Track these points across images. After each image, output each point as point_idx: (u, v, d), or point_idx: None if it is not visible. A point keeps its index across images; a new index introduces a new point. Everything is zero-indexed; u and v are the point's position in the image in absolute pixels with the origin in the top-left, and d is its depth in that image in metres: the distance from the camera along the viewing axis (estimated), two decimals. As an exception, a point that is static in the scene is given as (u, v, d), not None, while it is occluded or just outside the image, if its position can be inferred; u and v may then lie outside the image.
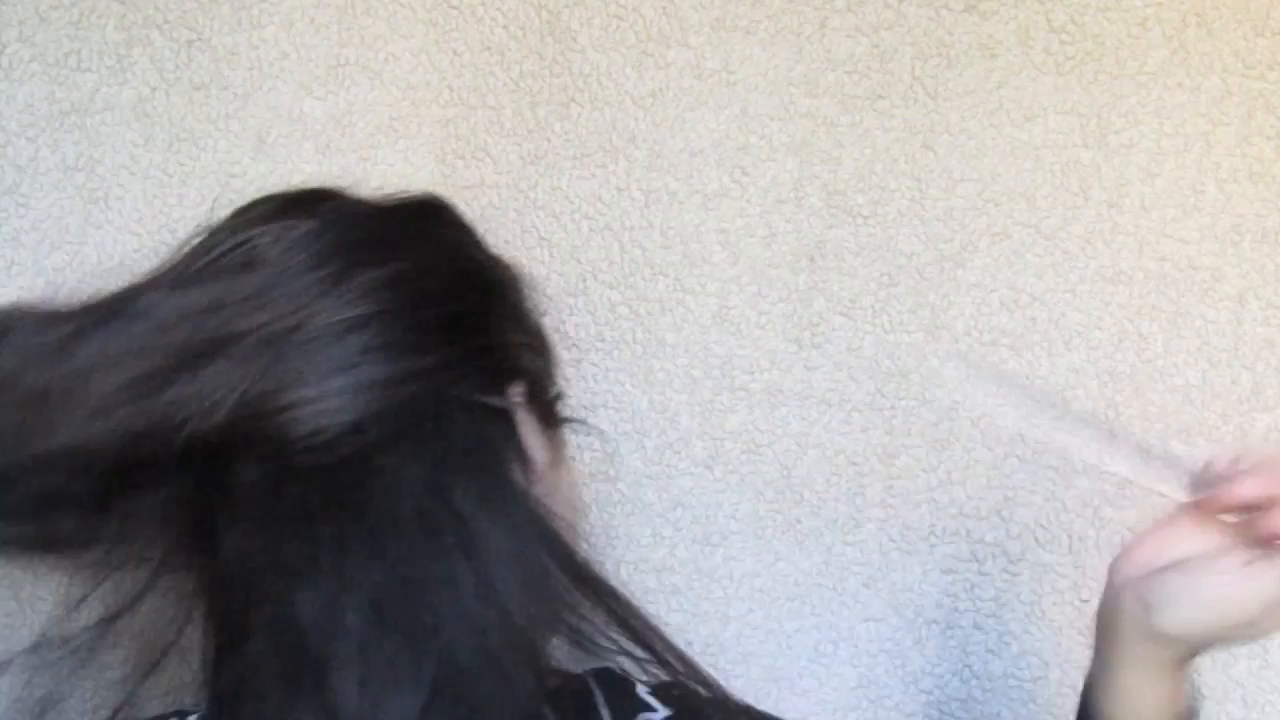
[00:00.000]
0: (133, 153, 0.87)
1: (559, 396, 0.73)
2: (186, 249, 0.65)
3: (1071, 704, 0.87)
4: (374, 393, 0.59)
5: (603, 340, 0.89)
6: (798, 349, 0.88)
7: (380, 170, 0.87)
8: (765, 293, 0.88)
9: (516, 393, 0.66)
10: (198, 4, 0.87)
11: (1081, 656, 0.86)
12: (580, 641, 0.62)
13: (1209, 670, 0.86)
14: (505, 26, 0.88)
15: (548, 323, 0.74)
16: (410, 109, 0.88)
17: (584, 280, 0.88)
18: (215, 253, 0.62)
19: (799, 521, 0.88)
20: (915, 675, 0.88)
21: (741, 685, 0.88)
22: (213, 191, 0.87)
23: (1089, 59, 0.86)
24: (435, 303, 0.63)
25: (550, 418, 0.71)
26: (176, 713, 0.68)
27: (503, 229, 0.87)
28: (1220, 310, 0.86)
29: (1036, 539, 0.87)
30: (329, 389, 0.58)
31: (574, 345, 0.88)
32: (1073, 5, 0.86)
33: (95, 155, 0.87)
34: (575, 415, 0.83)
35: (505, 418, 0.65)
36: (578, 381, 0.88)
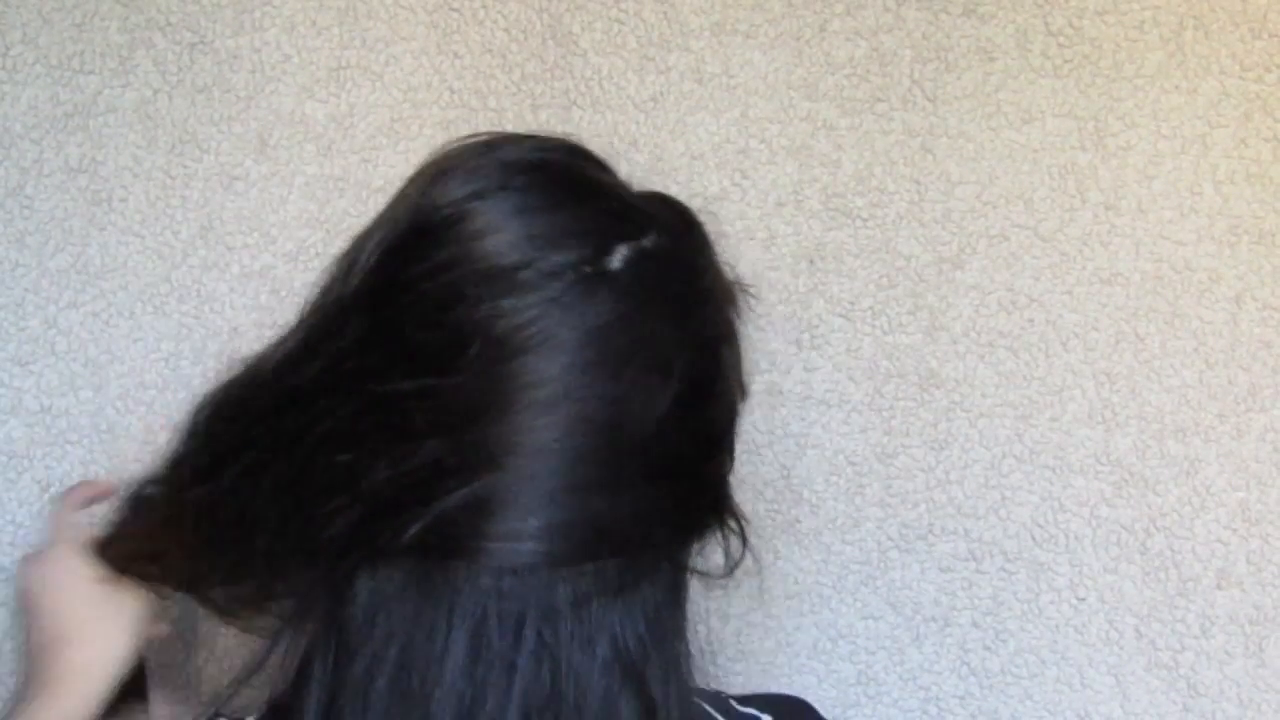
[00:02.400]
0: (135, 155, 0.88)
1: None
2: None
3: (1068, 701, 0.88)
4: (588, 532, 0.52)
5: (603, 341, 0.89)
6: (797, 350, 0.88)
7: (382, 172, 0.88)
8: (765, 294, 0.88)
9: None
10: (200, 7, 0.87)
11: (1078, 654, 0.87)
12: None
13: (1205, 668, 0.87)
14: (507, 29, 0.88)
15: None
16: (411, 111, 0.88)
17: (585, 281, 0.89)
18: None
19: (798, 521, 0.89)
20: (913, 672, 0.89)
21: (740, 682, 0.89)
22: (215, 194, 0.87)
23: (1086, 62, 0.86)
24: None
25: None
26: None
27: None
28: (1217, 311, 0.86)
29: (1033, 538, 0.88)
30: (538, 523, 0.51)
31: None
32: (1070, 9, 0.86)
33: (98, 157, 0.88)
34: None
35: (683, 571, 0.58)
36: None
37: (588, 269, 0.52)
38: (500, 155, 0.56)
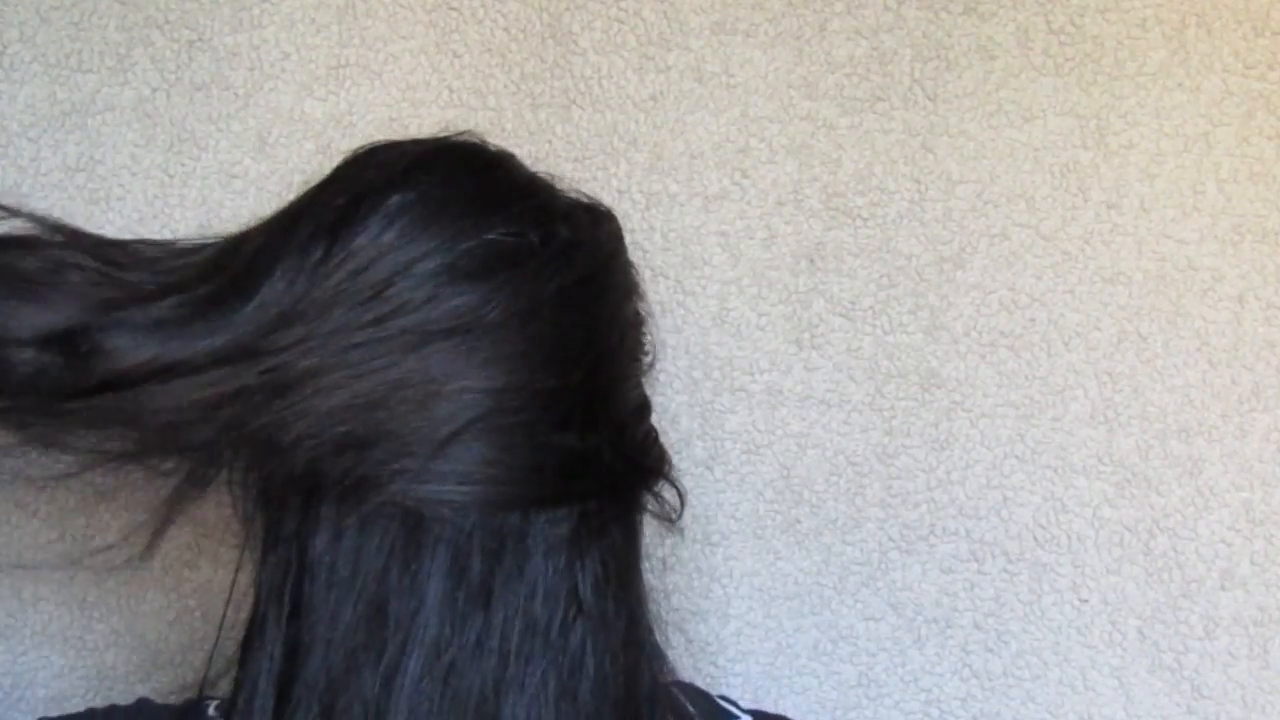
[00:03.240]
0: (134, 153, 0.87)
1: None
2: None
3: (1071, 703, 0.88)
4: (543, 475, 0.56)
5: (603, 341, 0.89)
6: (797, 350, 0.88)
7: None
8: (765, 294, 0.88)
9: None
10: (199, 5, 0.87)
11: (1081, 655, 0.87)
12: None
13: (1209, 670, 0.86)
14: (506, 28, 0.88)
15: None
16: (410, 110, 0.88)
17: (584, 281, 0.89)
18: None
19: (799, 521, 0.88)
20: (914, 674, 0.88)
21: (740, 684, 0.89)
22: (214, 192, 0.87)
23: (1088, 60, 0.86)
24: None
25: None
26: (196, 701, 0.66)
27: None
28: (1220, 311, 0.86)
29: (1035, 539, 0.87)
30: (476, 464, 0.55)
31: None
32: (1072, 6, 0.86)
33: (96, 156, 0.88)
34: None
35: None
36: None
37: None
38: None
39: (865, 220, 0.87)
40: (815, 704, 0.88)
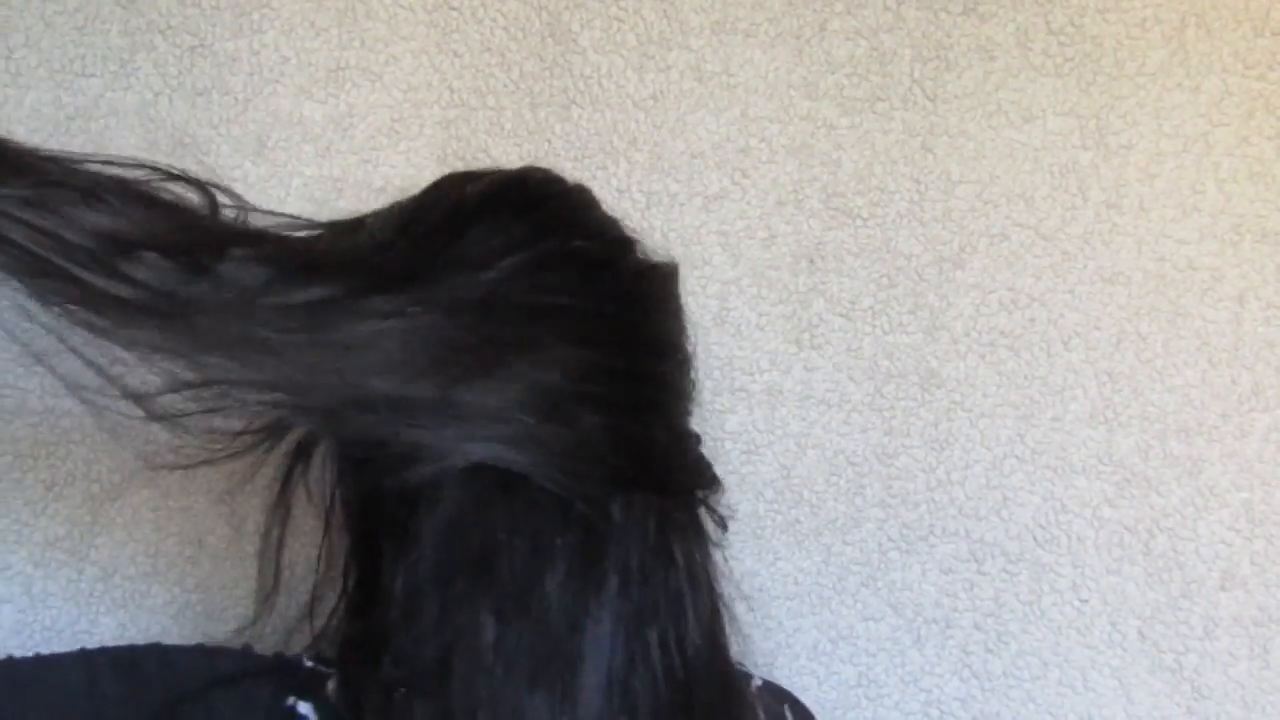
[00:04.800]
0: (136, 157, 0.88)
1: None
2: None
3: (1071, 704, 0.88)
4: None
5: (603, 341, 0.89)
6: (797, 350, 0.88)
7: (381, 172, 0.88)
8: (765, 294, 0.88)
9: None
10: (200, 10, 0.87)
11: (1081, 656, 0.87)
12: None
13: (1209, 670, 0.86)
14: (506, 28, 0.88)
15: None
16: (411, 111, 0.89)
17: (584, 282, 0.89)
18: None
19: (798, 521, 0.88)
20: (914, 674, 0.88)
21: (742, 683, 0.89)
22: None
23: (1088, 60, 0.86)
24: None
25: None
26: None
27: (503, 231, 0.87)
28: (1220, 310, 0.86)
29: (1035, 539, 0.87)
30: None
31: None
32: (1071, 7, 0.86)
33: (100, 159, 0.88)
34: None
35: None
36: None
37: None
38: None
39: (865, 220, 0.87)
40: (815, 704, 0.88)
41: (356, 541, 0.62)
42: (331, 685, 0.60)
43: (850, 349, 0.88)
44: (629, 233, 0.70)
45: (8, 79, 0.87)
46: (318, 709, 0.60)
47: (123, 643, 0.71)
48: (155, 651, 0.65)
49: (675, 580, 0.61)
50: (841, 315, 0.88)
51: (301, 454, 0.63)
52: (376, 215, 0.67)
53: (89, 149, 0.87)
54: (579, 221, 0.67)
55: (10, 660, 0.63)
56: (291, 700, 0.60)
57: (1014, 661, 0.88)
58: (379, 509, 0.60)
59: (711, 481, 0.68)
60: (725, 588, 0.69)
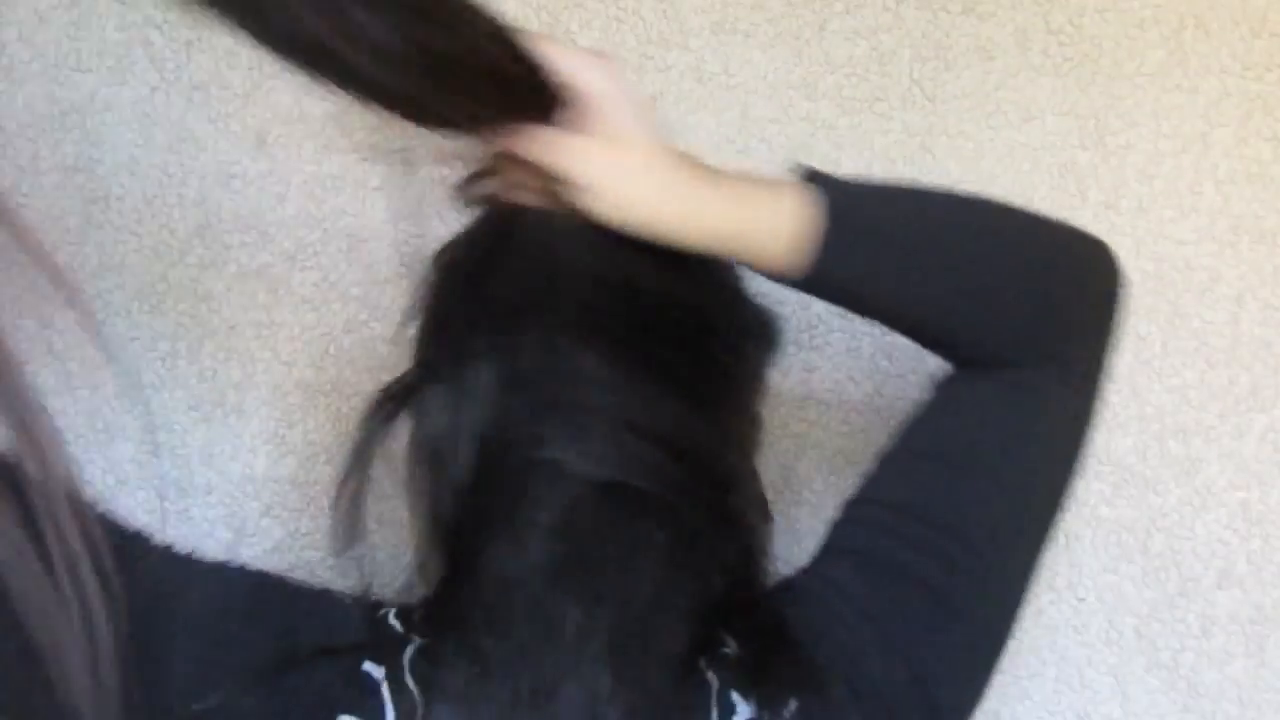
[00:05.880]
0: (132, 153, 0.87)
1: None
2: None
3: (1068, 701, 0.88)
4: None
5: (603, 340, 0.89)
6: (797, 350, 0.88)
7: (380, 170, 0.87)
8: (765, 294, 0.88)
9: None
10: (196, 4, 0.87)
11: (1078, 654, 0.87)
12: None
13: (1205, 668, 0.86)
14: (505, 27, 0.88)
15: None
16: (410, 110, 0.88)
17: (584, 281, 0.89)
18: None
19: (799, 521, 0.88)
20: (913, 673, 0.88)
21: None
22: (213, 191, 0.87)
23: (1087, 61, 0.86)
24: None
25: None
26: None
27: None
28: (1218, 311, 0.86)
29: (1034, 538, 0.87)
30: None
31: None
32: (1070, 7, 0.86)
33: (95, 155, 0.87)
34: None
35: None
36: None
37: None
38: None
39: (864, 220, 0.87)
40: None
41: (464, 519, 0.63)
42: (410, 652, 0.61)
43: (850, 349, 0.88)
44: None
45: (2, 74, 0.87)
46: (389, 678, 0.60)
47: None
48: (282, 586, 0.65)
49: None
50: (841, 315, 0.88)
51: (390, 414, 0.64)
52: None
53: (84, 145, 0.87)
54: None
55: (170, 550, 0.63)
56: (368, 665, 0.61)
57: (1011, 659, 0.88)
58: (495, 492, 0.62)
59: (766, 519, 0.72)
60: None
